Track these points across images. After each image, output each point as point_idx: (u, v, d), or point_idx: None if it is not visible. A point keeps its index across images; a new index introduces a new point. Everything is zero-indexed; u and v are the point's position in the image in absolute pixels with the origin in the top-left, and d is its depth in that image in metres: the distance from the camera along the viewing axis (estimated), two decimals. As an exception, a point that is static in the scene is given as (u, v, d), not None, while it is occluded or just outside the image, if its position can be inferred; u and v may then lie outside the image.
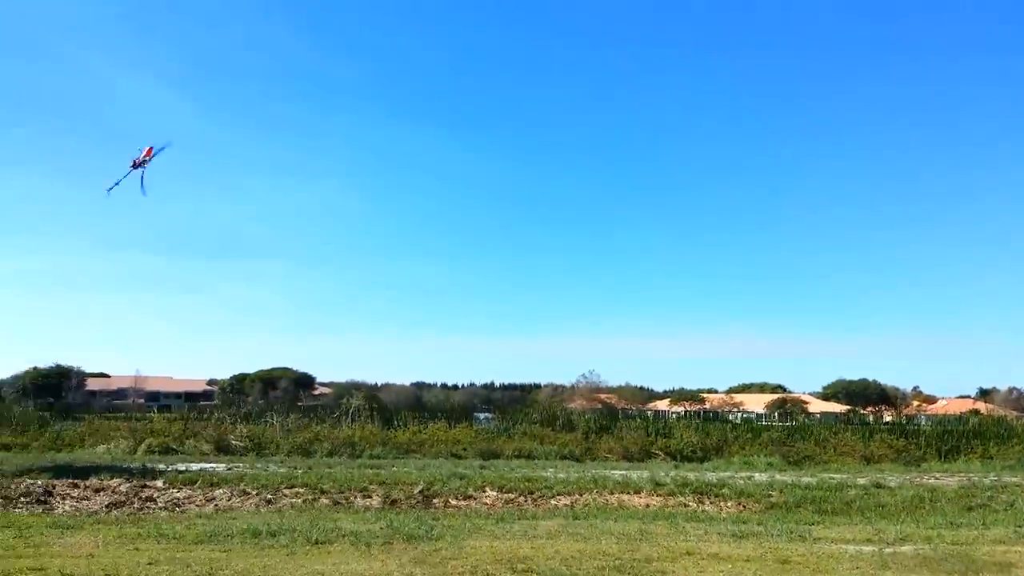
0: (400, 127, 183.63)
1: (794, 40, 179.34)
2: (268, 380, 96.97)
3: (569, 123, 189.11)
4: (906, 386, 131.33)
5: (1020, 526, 14.68)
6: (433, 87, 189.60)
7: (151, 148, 22.37)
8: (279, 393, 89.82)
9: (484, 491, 19.29)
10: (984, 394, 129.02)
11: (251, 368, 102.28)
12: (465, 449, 31.30)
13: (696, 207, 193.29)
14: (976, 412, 69.56)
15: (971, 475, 25.99)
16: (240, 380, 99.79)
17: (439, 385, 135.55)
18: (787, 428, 43.01)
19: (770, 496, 19.50)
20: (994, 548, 11.54)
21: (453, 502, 18.06)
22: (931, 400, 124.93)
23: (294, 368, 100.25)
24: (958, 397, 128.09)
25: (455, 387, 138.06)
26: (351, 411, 39.62)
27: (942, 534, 13.29)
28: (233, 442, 30.43)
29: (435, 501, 18.10)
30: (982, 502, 19.03)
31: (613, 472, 24.00)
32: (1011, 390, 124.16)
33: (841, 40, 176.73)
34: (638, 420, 41.93)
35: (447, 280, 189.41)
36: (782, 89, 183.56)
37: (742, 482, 21.75)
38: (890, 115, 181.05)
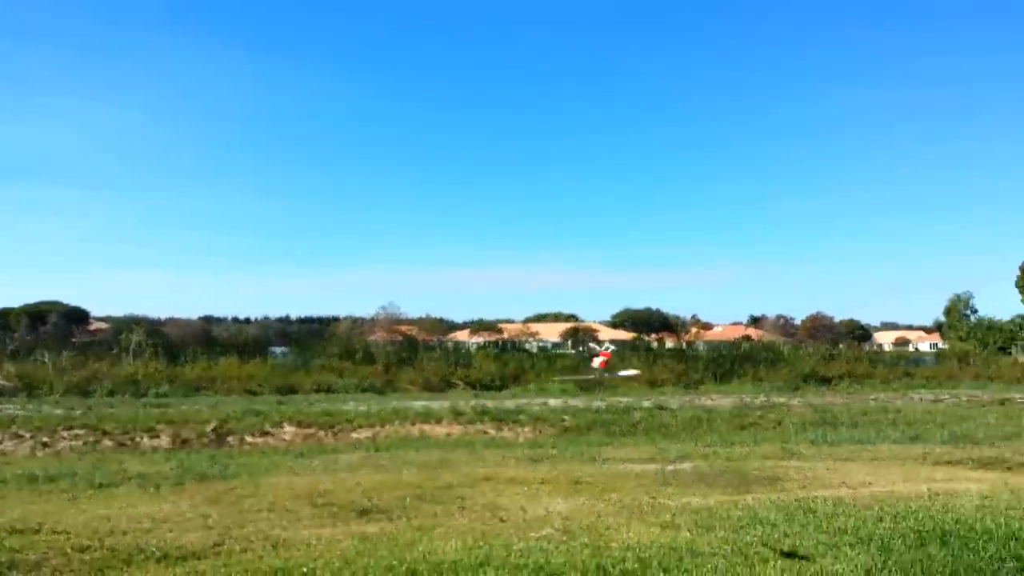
0: (198, 48, 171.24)
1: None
2: (36, 315, 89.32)
3: (374, 40, 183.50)
4: (686, 314, 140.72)
5: (786, 442, 16.12)
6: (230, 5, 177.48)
7: None
8: (48, 328, 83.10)
9: (282, 427, 18.85)
10: (755, 321, 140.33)
11: (15, 302, 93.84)
12: (260, 385, 30.43)
13: (499, 138, 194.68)
14: (748, 338, 75.63)
15: (744, 396, 28.25)
16: (4, 315, 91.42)
17: (230, 319, 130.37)
18: (579, 356, 44.95)
19: (564, 421, 20.30)
20: (763, 463, 12.59)
21: (249, 439, 17.54)
22: (708, 327, 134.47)
23: (64, 302, 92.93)
24: (732, 324, 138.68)
25: (247, 321, 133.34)
26: (132, 347, 37.26)
27: (718, 451, 14.37)
28: (1, 381, 27.97)
29: (229, 439, 17.50)
30: (753, 421, 20.76)
31: (414, 403, 24.14)
32: (779, 317, 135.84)
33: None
34: (439, 351, 42.28)
35: (240, 211, 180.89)
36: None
37: (538, 408, 22.50)
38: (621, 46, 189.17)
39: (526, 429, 19.47)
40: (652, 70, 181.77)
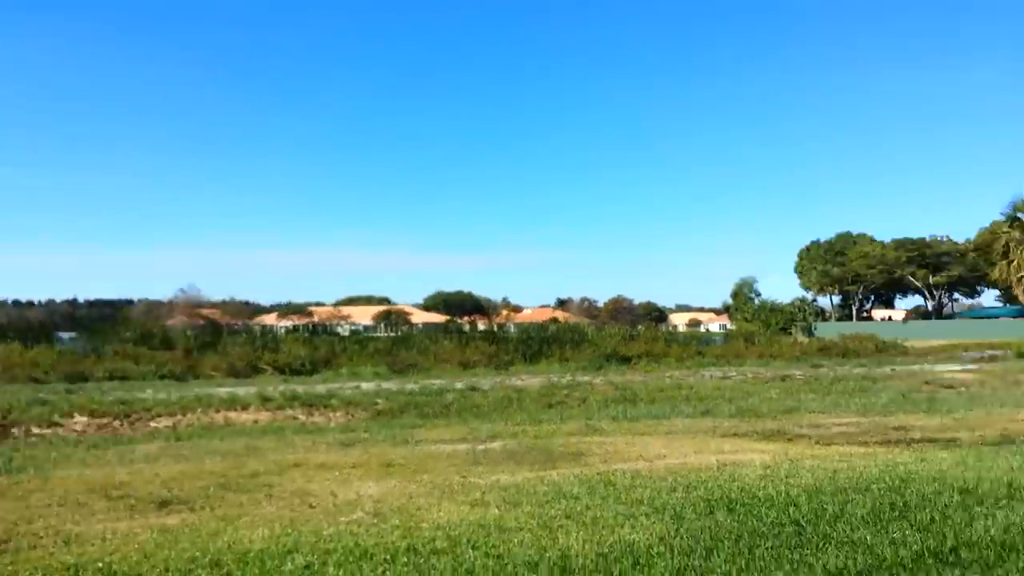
0: None
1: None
2: None
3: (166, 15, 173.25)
4: (497, 297, 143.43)
5: (590, 419, 16.84)
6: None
7: None
8: None
9: (72, 417, 17.63)
10: (561, 304, 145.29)
11: None
12: (47, 372, 28.25)
13: (302, 115, 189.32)
14: (555, 320, 78.08)
15: (552, 376, 29.13)
16: None
17: (10, 302, 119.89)
18: (392, 339, 44.79)
19: (376, 404, 20.21)
20: (568, 439, 13.11)
21: (36, 430, 16.29)
22: (518, 309, 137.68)
23: None
24: (540, 307, 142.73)
25: (30, 304, 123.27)
26: None
27: (526, 430, 14.81)
28: None
29: (14, 430, 16.18)
30: (560, 399, 21.50)
31: (219, 390, 23.21)
32: (584, 300, 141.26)
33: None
34: (244, 336, 40.78)
35: (26, 186, 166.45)
36: None
37: (350, 392, 22.27)
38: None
39: (338, 414, 19.22)
40: (466, 59, 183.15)
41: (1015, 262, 33.89)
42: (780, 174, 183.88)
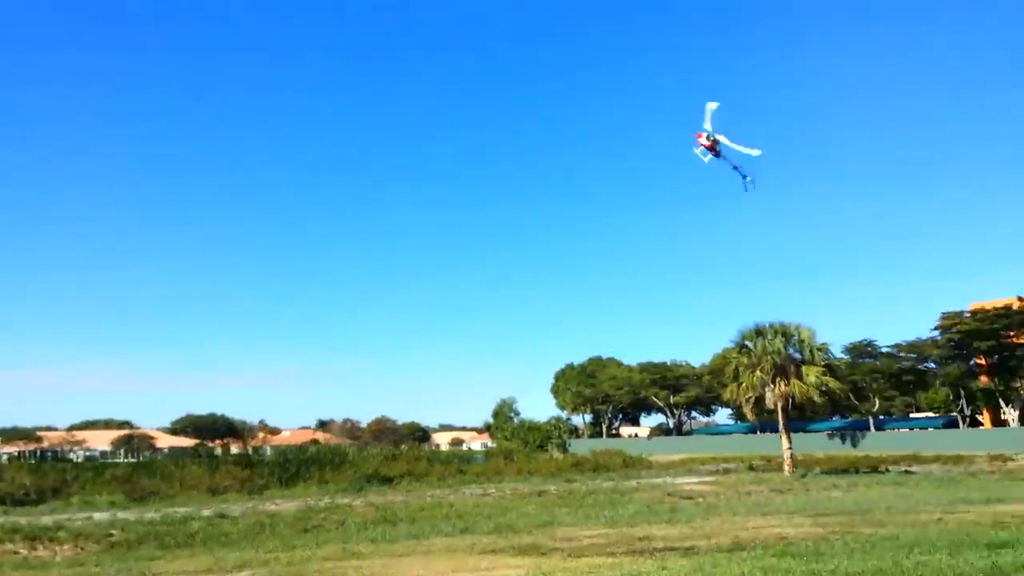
0: None
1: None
2: None
3: None
4: (253, 419, 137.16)
5: (347, 542, 16.35)
6: None
7: None
8: None
9: None
10: (323, 425, 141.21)
11: None
12: None
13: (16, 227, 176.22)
14: (315, 442, 75.58)
15: (309, 499, 28.10)
16: None
17: None
18: (132, 465, 41.59)
19: (111, 535, 18.55)
20: (324, 565, 12.65)
21: None
22: (276, 431, 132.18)
23: None
24: (300, 428, 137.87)
25: None
26: None
27: (279, 556, 14.13)
28: None
29: None
30: (316, 523, 20.73)
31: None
32: (346, 421, 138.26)
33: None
34: (-43, 464, 36.31)
35: None
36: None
37: (81, 523, 20.38)
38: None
39: (66, 547, 17.36)
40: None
41: (743, 384, 37.32)
42: (537, 302, 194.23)
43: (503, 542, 15.41)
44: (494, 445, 73.77)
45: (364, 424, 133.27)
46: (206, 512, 23.18)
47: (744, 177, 27.57)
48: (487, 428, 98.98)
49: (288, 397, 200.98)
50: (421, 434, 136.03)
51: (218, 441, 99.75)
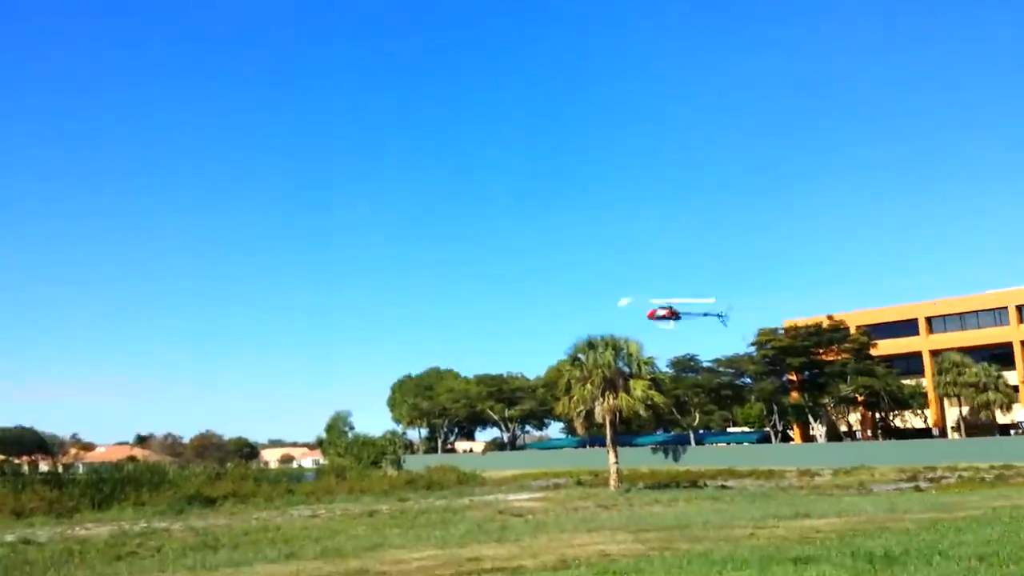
0: None
1: None
2: None
3: None
4: (65, 433, 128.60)
5: (163, 571, 15.62)
6: None
7: None
8: None
9: None
10: (142, 440, 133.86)
11: None
12: None
13: None
14: (133, 459, 71.45)
15: (124, 523, 26.65)
16: None
17: None
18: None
19: None
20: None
21: None
22: (90, 447, 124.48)
23: None
24: (117, 443, 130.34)
25: None
26: None
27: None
28: None
29: None
30: (131, 550, 19.69)
31: None
32: (167, 436, 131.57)
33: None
34: None
35: None
36: None
37: None
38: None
39: None
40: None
41: (575, 397, 38.24)
42: (375, 310, 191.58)
43: (329, 567, 15.18)
44: (326, 462, 72.25)
45: (187, 439, 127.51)
46: (9, 537, 21.69)
47: (718, 316, 30.76)
48: (319, 444, 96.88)
49: (104, 409, 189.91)
50: (249, 450, 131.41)
51: (25, 457, 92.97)
